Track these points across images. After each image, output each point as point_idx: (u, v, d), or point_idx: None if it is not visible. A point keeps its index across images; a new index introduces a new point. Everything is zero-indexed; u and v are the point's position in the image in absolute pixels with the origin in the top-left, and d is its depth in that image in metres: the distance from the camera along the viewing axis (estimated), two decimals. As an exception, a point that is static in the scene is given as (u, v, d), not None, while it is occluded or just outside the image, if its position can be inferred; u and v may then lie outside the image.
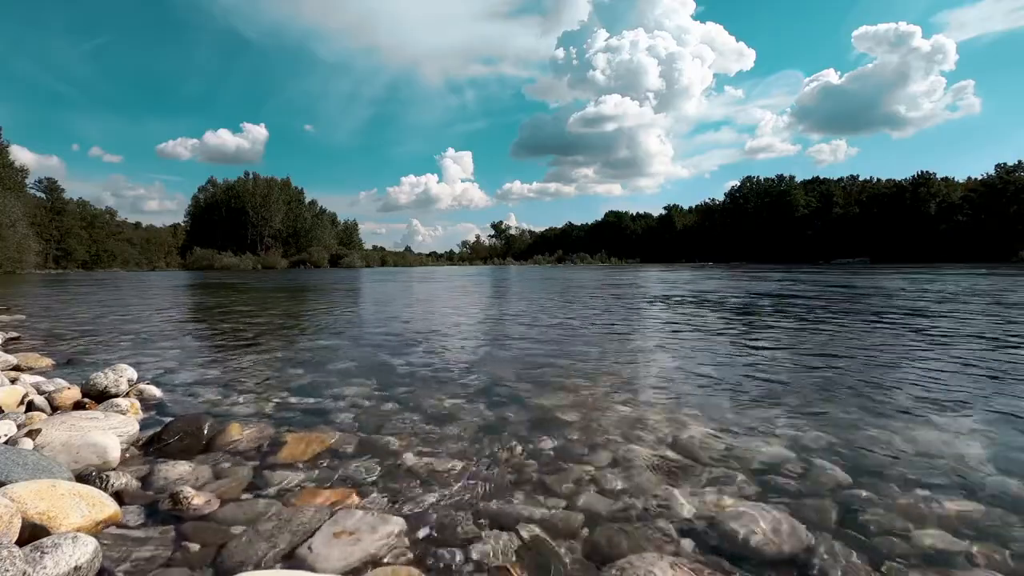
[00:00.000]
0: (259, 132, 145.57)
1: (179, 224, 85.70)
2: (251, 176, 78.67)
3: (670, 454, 1.89)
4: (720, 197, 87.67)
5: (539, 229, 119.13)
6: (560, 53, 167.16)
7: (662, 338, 4.77)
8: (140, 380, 2.84)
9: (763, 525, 1.36)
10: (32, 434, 1.79)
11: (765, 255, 69.53)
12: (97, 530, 1.32)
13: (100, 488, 1.52)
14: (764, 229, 74.45)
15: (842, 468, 1.74)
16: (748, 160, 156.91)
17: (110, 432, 1.86)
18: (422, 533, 1.37)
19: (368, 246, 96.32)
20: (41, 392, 2.47)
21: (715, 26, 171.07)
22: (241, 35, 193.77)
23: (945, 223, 57.91)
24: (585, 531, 1.38)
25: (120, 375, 2.65)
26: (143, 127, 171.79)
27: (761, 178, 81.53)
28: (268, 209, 76.50)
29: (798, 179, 77.53)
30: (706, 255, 77.49)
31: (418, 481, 1.68)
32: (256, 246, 75.10)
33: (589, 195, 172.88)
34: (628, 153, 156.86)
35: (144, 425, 2.15)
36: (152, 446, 1.95)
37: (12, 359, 3.28)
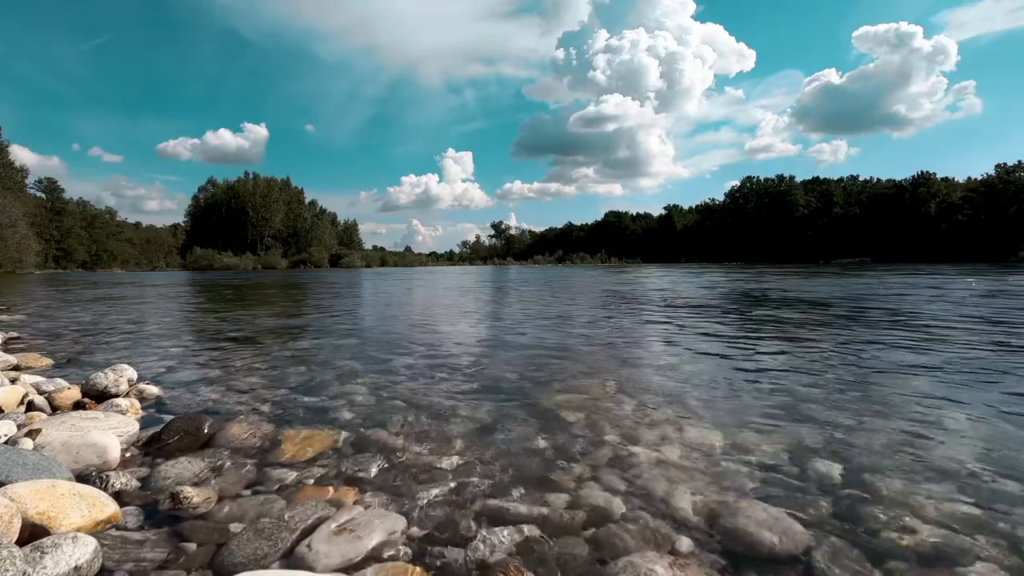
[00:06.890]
0: (259, 132, 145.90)
1: (179, 224, 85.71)
2: (251, 176, 78.49)
3: (671, 453, 1.89)
4: (720, 197, 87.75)
5: (539, 229, 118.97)
6: (560, 53, 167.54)
7: (663, 338, 4.77)
8: (140, 380, 2.83)
9: (764, 524, 1.36)
10: (32, 434, 1.79)
11: (765, 255, 69.44)
12: (97, 530, 1.32)
13: (100, 488, 1.52)
14: (764, 229, 74.39)
15: (842, 467, 1.74)
16: (748, 160, 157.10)
17: (110, 432, 1.86)
18: (422, 531, 1.37)
19: (368, 246, 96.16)
20: (41, 392, 2.47)
21: (715, 26, 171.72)
22: (241, 35, 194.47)
23: (945, 223, 57.89)
24: (586, 529, 1.38)
25: (120, 375, 2.65)
26: (143, 127, 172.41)
27: (761, 178, 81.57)
28: (268, 209, 76.34)
29: (798, 179, 77.60)
30: (706, 255, 77.43)
31: (419, 478, 1.68)
32: (256, 246, 74.99)
33: (589, 195, 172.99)
34: (628, 153, 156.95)
35: (144, 425, 2.15)
36: (152, 446, 1.95)
37: (12, 359, 3.28)
